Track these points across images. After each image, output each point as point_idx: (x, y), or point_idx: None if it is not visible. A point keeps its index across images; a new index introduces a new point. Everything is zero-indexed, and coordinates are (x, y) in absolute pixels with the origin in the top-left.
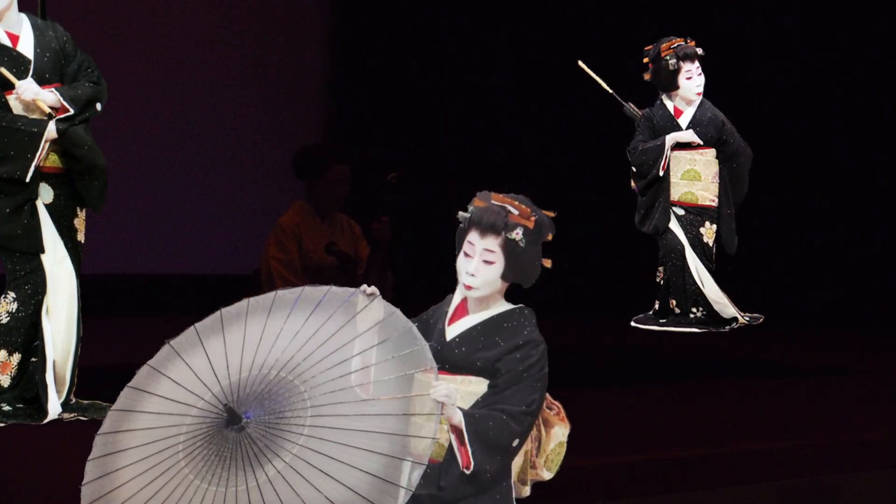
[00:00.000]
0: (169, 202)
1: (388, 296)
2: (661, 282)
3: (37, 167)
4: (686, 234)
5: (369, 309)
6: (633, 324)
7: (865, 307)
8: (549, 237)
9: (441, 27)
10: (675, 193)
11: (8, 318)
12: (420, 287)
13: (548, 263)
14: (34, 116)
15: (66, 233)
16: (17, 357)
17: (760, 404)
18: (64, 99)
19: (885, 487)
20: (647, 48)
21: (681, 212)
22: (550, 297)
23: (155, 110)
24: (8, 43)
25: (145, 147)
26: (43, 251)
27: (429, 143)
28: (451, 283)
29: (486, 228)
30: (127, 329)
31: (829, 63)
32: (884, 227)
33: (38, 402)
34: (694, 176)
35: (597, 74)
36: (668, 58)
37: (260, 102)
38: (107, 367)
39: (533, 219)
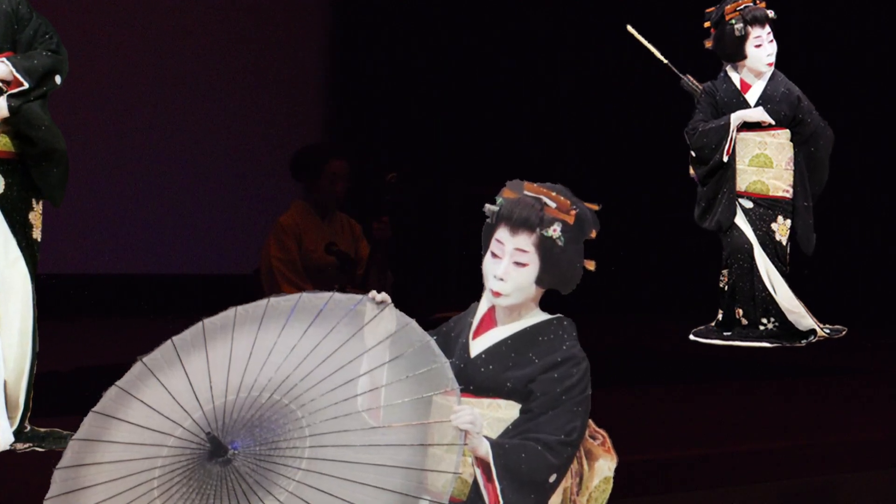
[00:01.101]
0: (169, 202)
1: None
2: (726, 287)
3: None
4: (755, 231)
5: (379, 319)
6: (692, 337)
7: (865, 307)
8: (593, 234)
9: (442, 27)
10: (742, 183)
11: None
12: (420, 289)
13: (591, 266)
14: None
15: (20, 230)
16: None
17: (760, 404)
18: (17, 70)
19: (885, 487)
20: (707, 10)
21: (748, 204)
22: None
23: (154, 110)
24: None
25: (144, 146)
26: None
27: (429, 143)
28: (451, 285)
29: (518, 224)
30: (127, 329)
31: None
32: (884, 226)
33: None
34: (764, 162)
35: (647, 40)
36: (733, 22)
37: (260, 102)
38: (103, 370)
39: (573, 212)
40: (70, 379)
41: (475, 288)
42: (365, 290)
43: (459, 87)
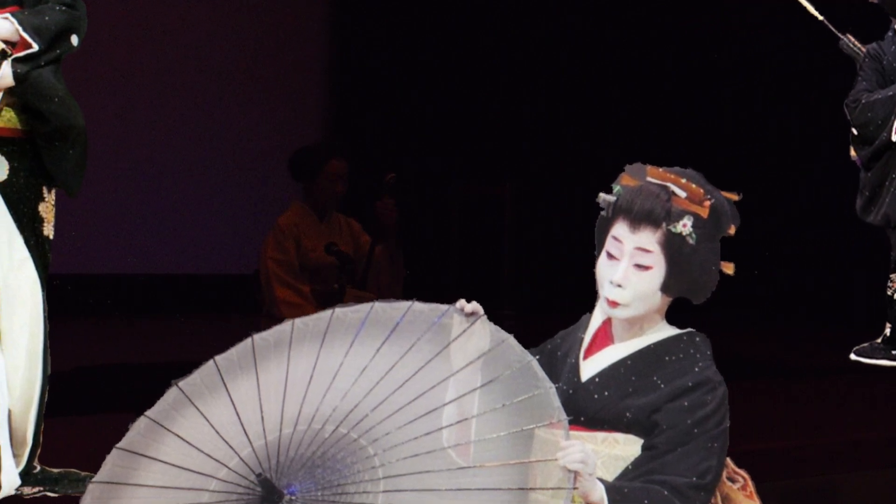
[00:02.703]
0: (169, 202)
1: (398, 296)
2: (895, 296)
3: None
4: None
5: (469, 335)
6: (853, 357)
7: (866, 307)
8: (731, 230)
9: (442, 26)
10: None
11: None
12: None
13: (729, 269)
14: None
15: (28, 225)
16: None
17: (760, 404)
18: (24, 29)
19: (885, 487)
20: None
21: None
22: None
23: (154, 110)
24: None
25: (144, 146)
26: None
27: (429, 143)
28: (451, 285)
29: (640, 218)
30: (127, 330)
31: None
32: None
33: None
34: None
35: None
36: None
37: (260, 102)
38: (103, 370)
39: (707, 203)
40: (70, 379)
41: (476, 288)
42: (367, 289)
43: (460, 87)
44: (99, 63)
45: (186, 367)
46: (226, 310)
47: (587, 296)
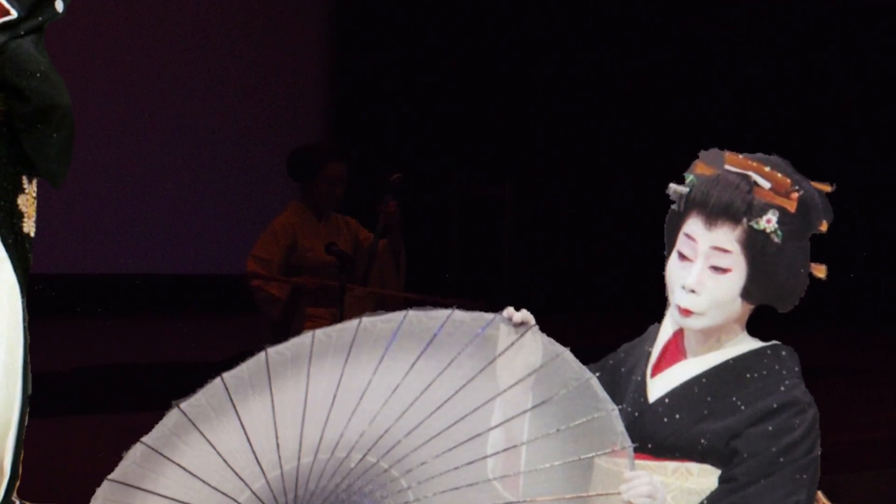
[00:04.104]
0: (169, 202)
1: (399, 302)
2: None
3: None
4: None
5: (518, 348)
6: None
7: (866, 307)
8: (823, 227)
9: (442, 27)
10: None
11: None
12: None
13: (821, 271)
14: None
15: (5, 220)
16: None
17: None
18: None
19: (885, 487)
20: None
21: None
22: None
23: (154, 110)
24: None
25: (144, 146)
26: None
27: (430, 143)
28: (451, 286)
29: (717, 212)
30: (126, 330)
31: None
32: (885, 225)
33: None
34: None
35: None
36: None
37: (260, 102)
38: (102, 370)
39: (795, 195)
40: (69, 379)
41: (476, 289)
42: (369, 285)
43: (460, 88)
44: (99, 63)
45: (187, 367)
46: (224, 310)
47: (587, 296)
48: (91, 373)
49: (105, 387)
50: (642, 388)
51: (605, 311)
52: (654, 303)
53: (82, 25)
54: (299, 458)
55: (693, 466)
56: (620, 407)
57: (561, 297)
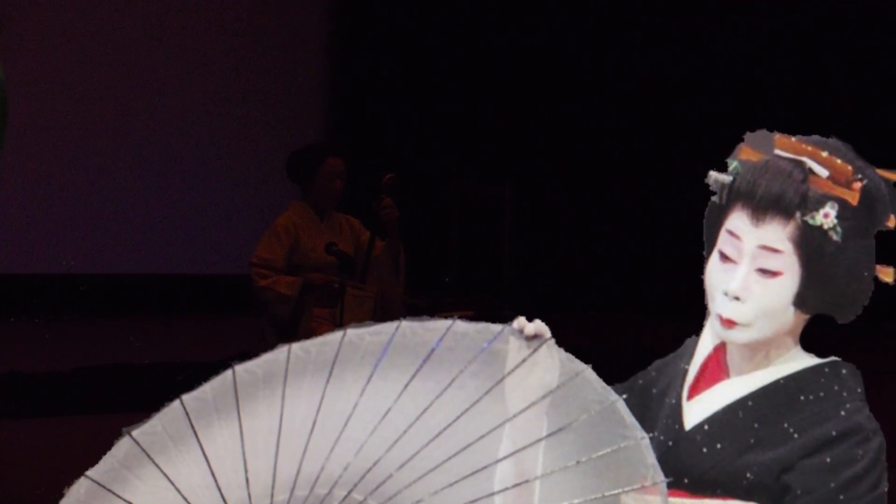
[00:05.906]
0: (169, 202)
1: (398, 303)
2: None
3: None
4: None
5: (531, 366)
6: None
7: (866, 307)
8: (891, 223)
9: (442, 27)
10: None
11: None
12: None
13: (888, 275)
14: None
15: None
16: None
17: None
18: None
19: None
20: None
21: None
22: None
23: (154, 110)
24: None
25: (144, 147)
26: None
27: (430, 143)
28: (450, 286)
29: (766, 206)
30: (126, 330)
31: None
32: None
33: None
34: None
35: None
36: None
37: (260, 102)
38: (102, 371)
39: (857, 185)
40: (69, 379)
41: (476, 288)
42: (367, 283)
43: (459, 88)
44: (99, 64)
45: (186, 367)
46: (224, 310)
47: (587, 296)
48: (91, 373)
49: (105, 387)
50: (677, 413)
51: (605, 311)
52: (655, 303)
53: (82, 25)
54: (272, 496)
55: None
56: (651, 435)
57: (561, 296)
